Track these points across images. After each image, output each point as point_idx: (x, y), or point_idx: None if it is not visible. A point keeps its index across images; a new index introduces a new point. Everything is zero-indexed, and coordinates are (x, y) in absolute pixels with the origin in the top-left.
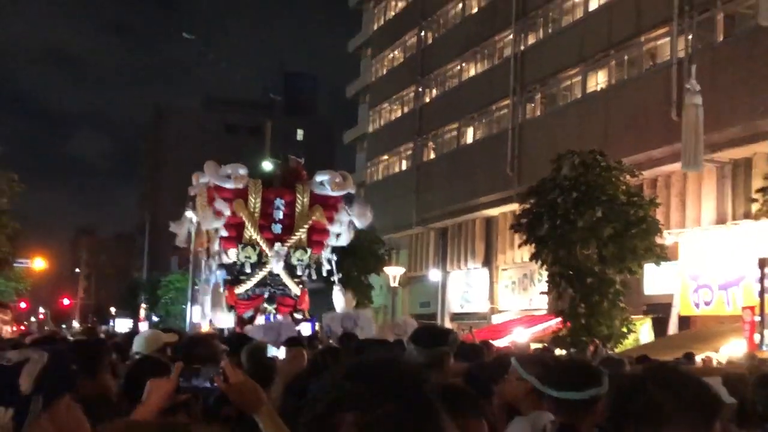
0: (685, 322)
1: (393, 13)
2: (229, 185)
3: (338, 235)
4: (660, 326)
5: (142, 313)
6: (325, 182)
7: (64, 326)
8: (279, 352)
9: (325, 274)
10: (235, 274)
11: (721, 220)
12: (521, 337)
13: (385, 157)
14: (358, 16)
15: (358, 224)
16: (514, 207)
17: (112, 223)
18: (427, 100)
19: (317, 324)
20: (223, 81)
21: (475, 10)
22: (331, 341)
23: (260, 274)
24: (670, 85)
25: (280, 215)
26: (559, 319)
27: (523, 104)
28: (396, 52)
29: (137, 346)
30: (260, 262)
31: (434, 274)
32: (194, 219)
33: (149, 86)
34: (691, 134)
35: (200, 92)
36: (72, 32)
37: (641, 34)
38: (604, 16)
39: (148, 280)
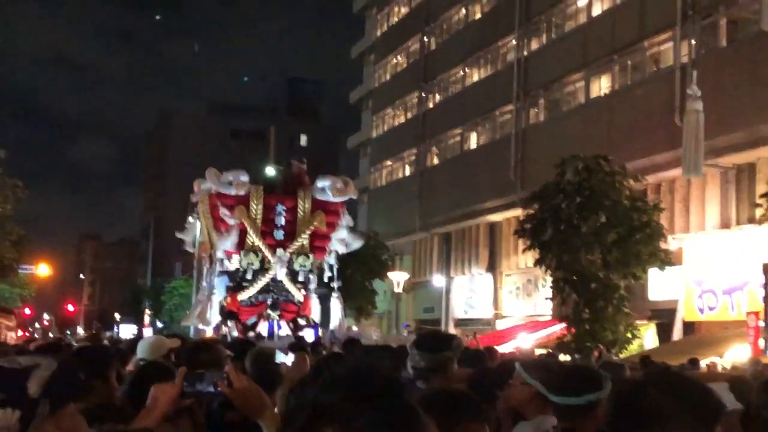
0: (689, 327)
1: (396, 19)
2: (230, 192)
3: (342, 240)
4: (664, 332)
5: (147, 319)
6: (326, 188)
7: (68, 332)
8: (287, 359)
9: (326, 280)
10: (237, 280)
11: (725, 225)
12: (525, 342)
13: (389, 162)
14: (362, 21)
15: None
16: (518, 212)
17: (116, 228)
18: (431, 105)
19: (320, 330)
20: (227, 86)
21: (478, 15)
22: (335, 347)
23: (263, 281)
24: (673, 90)
25: (282, 221)
26: (564, 324)
27: (526, 109)
28: (399, 58)
29: (141, 352)
30: (263, 269)
31: (438, 280)
32: (198, 225)
33: (153, 91)
34: (692, 140)
35: (204, 97)
36: (76, 37)
37: (644, 39)
38: (608, 21)
39: (152, 286)
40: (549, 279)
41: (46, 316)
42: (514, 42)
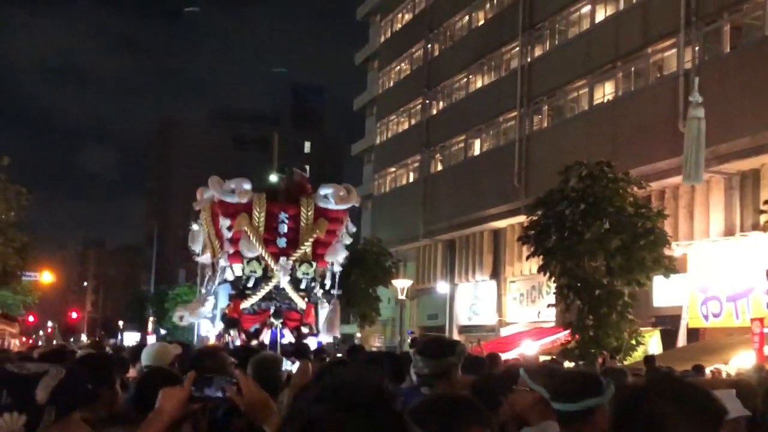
0: (693, 334)
1: (400, 26)
2: (233, 200)
3: (344, 247)
4: (669, 338)
5: (150, 326)
6: (329, 195)
7: (71, 339)
8: (292, 366)
9: (327, 287)
10: (240, 288)
11: (729, 232)
12: (529, 349)
13: (393, 169)
14: (365, 28)
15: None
16: (522, 219)
17: (120, 235)
18: (434, 112)
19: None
20: (230, 93)
21: (481, 22)
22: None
23: (266, 289)
24: (676, 97)
25: (285, 229)
26: (568, 331)
27: (530, 116)
28: (403, 65)
29: (146, 359)
30: (266, 277)
31: (442, 287)
32: (202, 233)
33: (157, 98)
34: (693, 146)
35: (208, 104)
36: (80, 45)
37: (648, 45)
38: (611, 27)
39: (155, 293)
40: (553, 286)
41: (49, 324)
42: (517, 48)
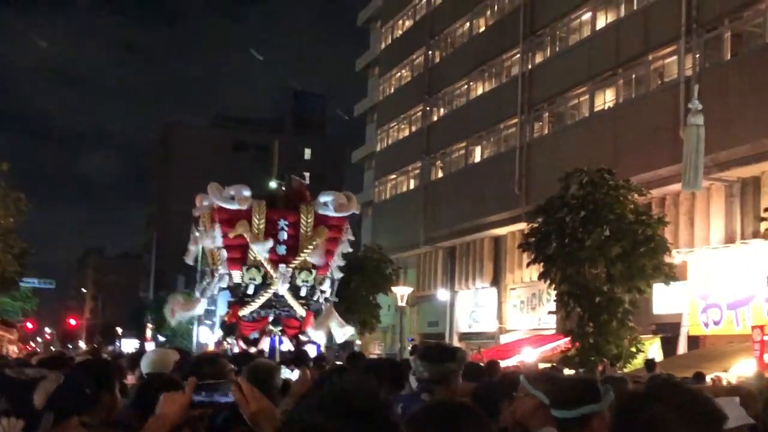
0: (694, 341)
1: (400, 32)
2: (233, 207)
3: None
4: (669, 346)
5: (149, 333)
6: (328, 203)
7: (70, 346)
8: (291, 374)
9: (328, 295)
10: (239, 295)
11: (729, 240)
12: (530, 356)
13: (393, 176)
14: (366, 35)
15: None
16: (522, 226)
17: (119, 242)
18: (435, 118)
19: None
20: (231, 99)
21: (482, 28)
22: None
23: (265, 296)
24: (677, 104)
25: (285, 236)
26: (568, 338)
27: (530, 123)
28: (404, 71)
29: (146, 366)
30: (265, 284)
31: (442, 294)
32: (202, 241)
33: (157, 104)
34: (692, 154)
35: (209, 110)
36: (81, 51)
37: (649, 52)
38: (612, 34)
39: (154, 300)
40: (553, 293)
41: (47, 330)
42: (518, 55)
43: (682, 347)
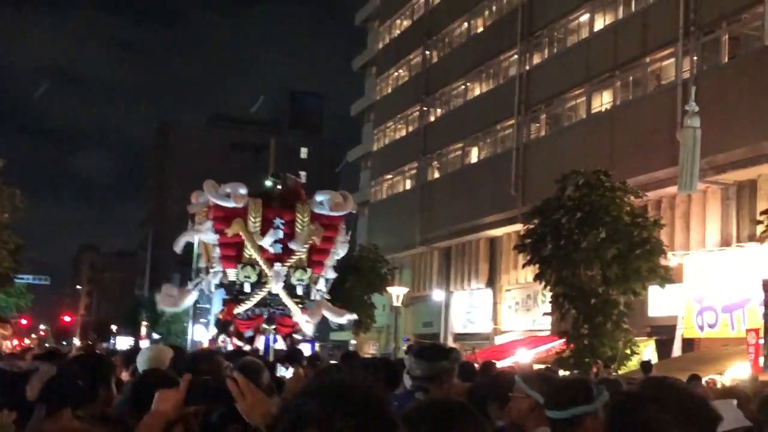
0: (689, 344)
1: (398, 32)
2: (228, 204)
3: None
4: (664, 348)
5: (144, 330)
6: (324, 202)
7: (64, 343)
8: (287, 372)
9: (323, 294)
10: (234, 293)
11: (725, 242)
12: (524, 357)
13: (390, 176)
14: (363, 34)
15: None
16: (518, 227)
17: (115, 239)
18: (432, 119)
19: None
20: (228, 99)
21: (480, 29)
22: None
23: (260, 294)
24: (675, 106)
25: (280, 234)
26: (563, 340)
27: (527, 124)
28: (401, 71)
29: (142, 363)
30: (260, 282)
31: (437, 294)
32: (196, 237)
33: (154, 104)
34: (688, 156)
35: (205, 110)
36: (78, 51)
37: (646, 54)
38: (610, 36)
39: (149, 298)
40: (548, 294)
41: (42, 327)
42: (515, 56)
43: (676, 350)
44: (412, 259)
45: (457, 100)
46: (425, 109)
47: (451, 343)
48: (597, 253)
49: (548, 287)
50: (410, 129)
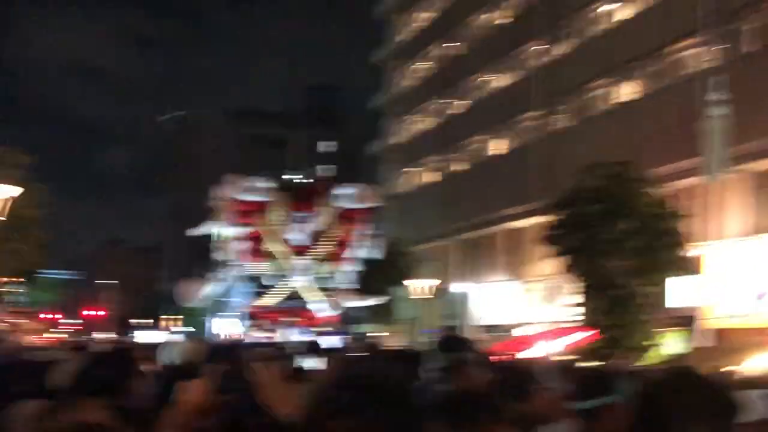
0: (712, 334)
1: (419, 24)
2: (250, 198)
3: (364, 247)
4: (688, 338)
5: (166, 324)
6: (348, 195)
7: (90, 336)
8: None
9: (345, 287)
10: (257, 286)
11: (749, 232)
12: (548, 349)
13: (412, 168)
14: (383, 27)
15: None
16: (542, 219)
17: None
18: (455, 111)
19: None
20: (248, 93)
21: (502, 20)
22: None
23: (282, 287)
24: (698, 96)
25: (303, 228)
26: (587, 331)
27: (551, 115)
28: (423, 63)
29: (169, 356)
30: (281, 275)
31: (461, 286)
32: (217, 230)
33: (175, 98)
34: (714, 145)
35: (226, 104)
36: (99, 45)
37: (669, 45)
38: (633, 26)
39: (170, 291)
40: (572, 286)
41: (69, 320)
42: (538, 47)
43: (700, 340)
44: (436, 252)
45: (479, 92)
46: (447, 101)
47: (474, 335)
48: (621, 244)
49: (574, 278)
50: (432, 121)
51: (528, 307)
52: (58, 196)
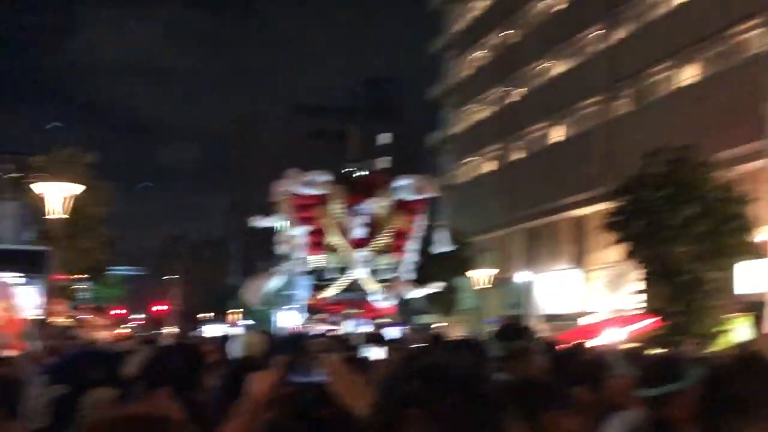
0: None
1: (475, 13)
2: (311, 192)
3: (423, 238)
4: (757, 325)
5: (232, 318)
6: (406, 187)
7: (159, 331)
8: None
9: (407, 276)
10: (320, 279)
11: None
12: (614, 337)
13: (472, 158)
14: (440, 17)
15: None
16: (605, 206)
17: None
18: (513, 99)
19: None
20: (305, 87)
21: (561, 6)
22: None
23: (344, 280)
24: (762, 78)
25: (363, 220)
26: (653, 318)
27: (612, 101)
28: (480, 52)
29: (235, 350)
30: (343, 268)
31: (523, 276)
32: (279, 225)
33: (234, 94)
34: None
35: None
36: (159, 44)
37: (732, 26)
38: (694, 8)
39: (237, 285)
40: (637, 273)
41: (137, 315)
42: (598, 32)
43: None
44: (497, 241)
45: (539, 79)
46: (506, 89)
47: (537, 325)
48: (686, 230)
49: (639, 265)
50: (491, 110)
51: (592, 295)
52: (125, 193)
